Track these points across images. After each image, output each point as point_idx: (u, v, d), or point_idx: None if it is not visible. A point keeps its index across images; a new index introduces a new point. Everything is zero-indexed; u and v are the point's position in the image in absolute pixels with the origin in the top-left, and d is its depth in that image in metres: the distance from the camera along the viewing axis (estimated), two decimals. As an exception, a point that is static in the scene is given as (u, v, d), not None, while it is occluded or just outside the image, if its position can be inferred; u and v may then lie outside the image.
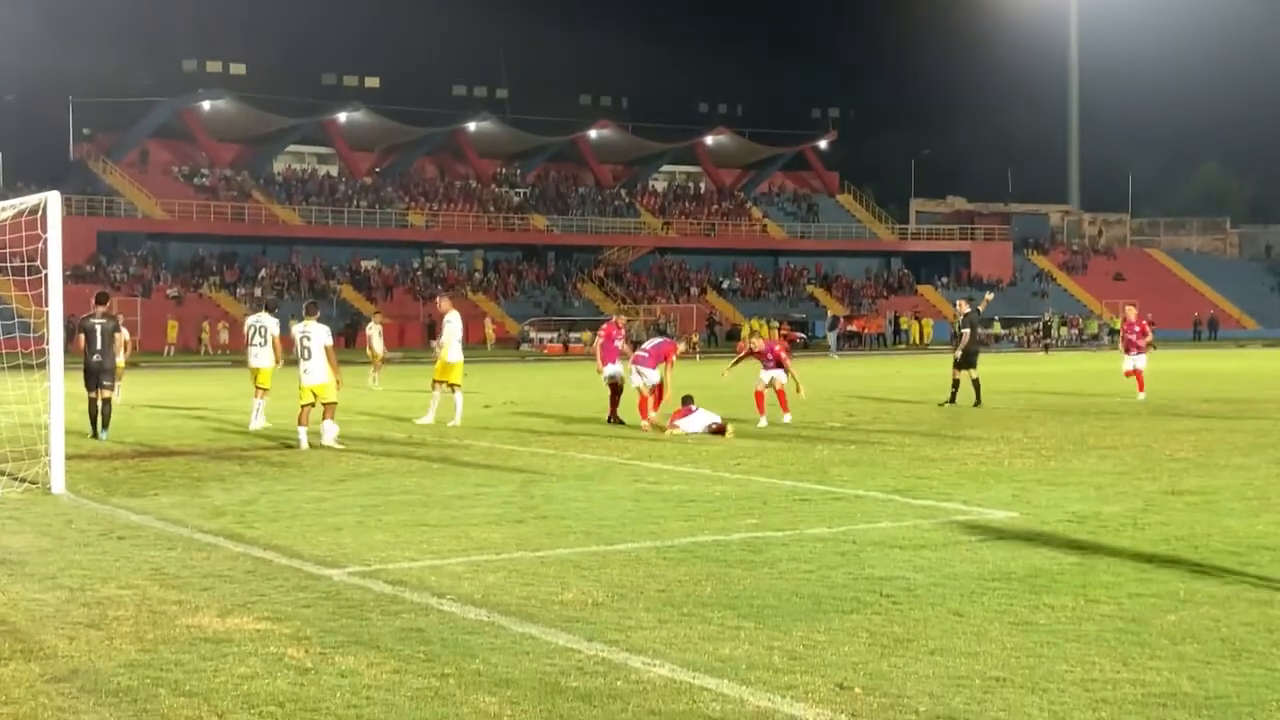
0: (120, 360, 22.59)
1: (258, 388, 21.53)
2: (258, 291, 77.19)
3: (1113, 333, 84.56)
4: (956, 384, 26.18)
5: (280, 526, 11.37)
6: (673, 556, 9.80)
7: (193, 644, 7.29)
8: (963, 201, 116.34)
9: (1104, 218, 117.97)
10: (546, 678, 6.57)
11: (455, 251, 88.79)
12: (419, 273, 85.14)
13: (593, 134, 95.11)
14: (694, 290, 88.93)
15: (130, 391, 33.32)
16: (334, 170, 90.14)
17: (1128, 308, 30.57)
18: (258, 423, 21.13)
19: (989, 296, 29.99)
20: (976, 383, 25.91)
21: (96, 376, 19.67)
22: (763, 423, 20.89)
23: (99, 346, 19.55)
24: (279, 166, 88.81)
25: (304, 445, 18.05)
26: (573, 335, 75.39)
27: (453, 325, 21.84)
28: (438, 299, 23.51)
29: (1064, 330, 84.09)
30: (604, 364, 22.02)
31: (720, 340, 78.49)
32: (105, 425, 19.72)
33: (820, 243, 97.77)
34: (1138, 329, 28.75)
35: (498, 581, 8.91)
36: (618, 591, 8.56)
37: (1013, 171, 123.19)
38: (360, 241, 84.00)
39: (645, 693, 6.32)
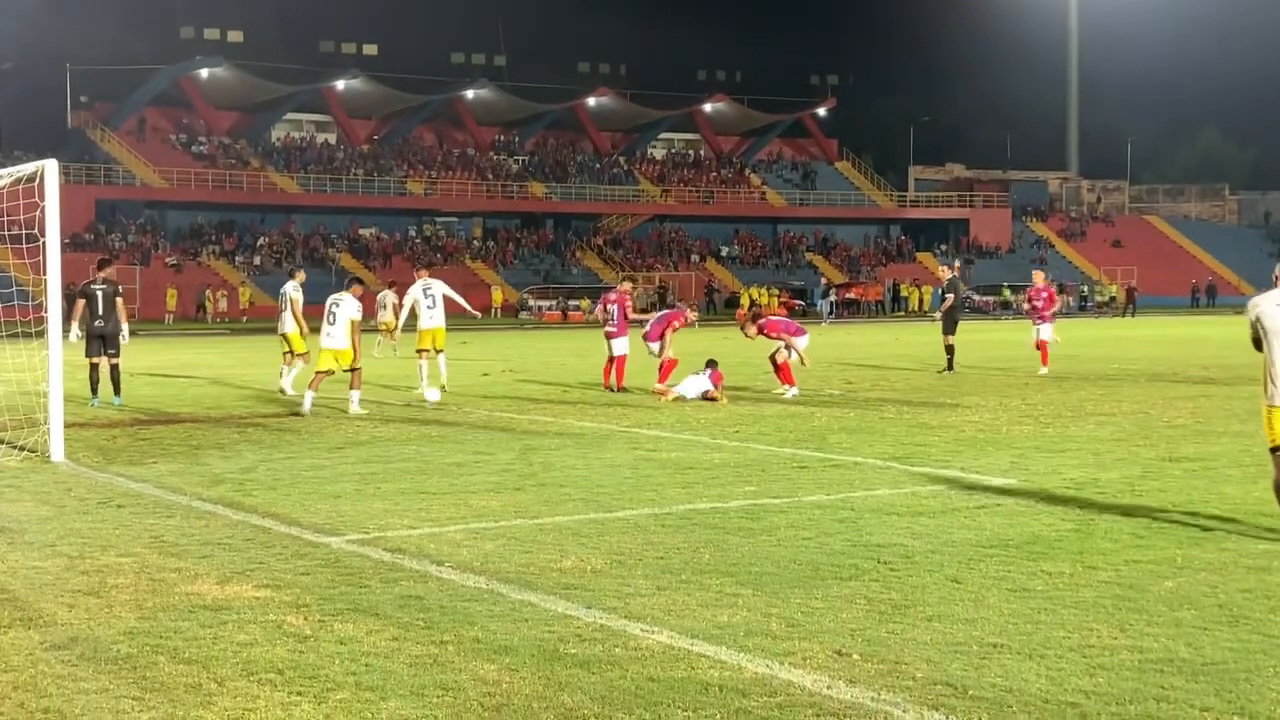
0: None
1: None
2: (256, 260, 77.15)
3: (1111, 300, 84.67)
4: (951, 350, 26.19)
5: (279, 494, 11.37)
6: (671, 524, 9.80)
7: (192, 611, 7.29)
8: (961, 168, 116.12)
9: (1103, 184, 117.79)
10: (545, 645, 6.57)
11: (454, 219, 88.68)
12: (417, 240, 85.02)
13: (591, 101, 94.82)
14: (693, 258, 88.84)
15: (129, 359, 33.29)
16: (332, 138, 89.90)
17: (1035, 273, 28.31)
18: (295, 391, 20.66)
19: (956, 265, 29.08)
20: (950, 349, 25.88)
21: (102, 342, 19.62)
22: (792, 392, 20.31)
23: (100, 312, 19.50)
24: (277, 134, 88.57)
25: (307, 410, 18.06)
26: (571, 303, 75.36)
27: (410, 294, 21.95)
28: (416, 272, 23.38)
29: (1062, 297, 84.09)
30: (620, 334, 21.75)
31: (719, 308, 78.44)
32: (117, 391, 19.69)
33: (819, 210, 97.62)
34: (1045, 295, 26.77)
35: (496, 549, 8.91)
36: (616, 559, 8.56)
37: (1012, 138, 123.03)
38: (359, 209, 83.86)
39: (644, 659, 6.32)
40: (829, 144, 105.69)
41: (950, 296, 26.14)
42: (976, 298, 78.63)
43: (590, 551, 8.80)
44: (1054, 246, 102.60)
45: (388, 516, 10.21)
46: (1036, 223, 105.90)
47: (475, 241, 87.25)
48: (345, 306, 18.50)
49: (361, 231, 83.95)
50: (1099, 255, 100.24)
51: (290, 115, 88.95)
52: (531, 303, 75.74)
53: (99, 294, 19.51)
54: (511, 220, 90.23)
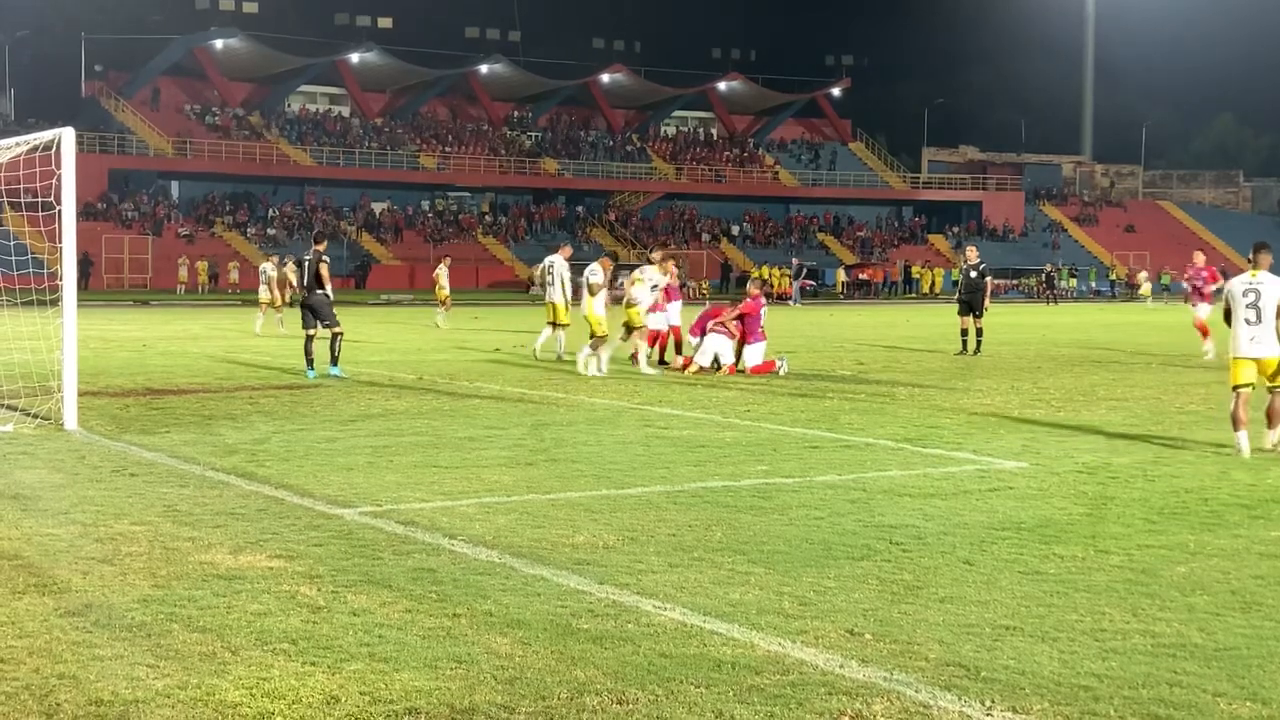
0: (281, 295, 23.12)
1: (551, 323, 23.55)
2: (270, 230, 77.15)
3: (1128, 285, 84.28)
4: (966, 333, 26.20)
5: (292, 466, 11.39)
6: (683, 501, 9.80)
7: (205, 580, 7.31)
8: (975, 151, 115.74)
9: (1117, 169, 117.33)
10: (558, 619, 6.58)
11: (466, 194, 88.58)
12: (429, 215, 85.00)
13: (605, 78, 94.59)
14: (704, 236, 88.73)
15: (143, 329, 33.40)
16: (345, 111, 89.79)
17: (1195, 254, 26.88)
18: (546, 350, 22.62)
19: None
20: (980, 331, 26.02)
21: (313, 313, 19.66)
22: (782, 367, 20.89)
23: (305, 282, 19.71)
24: (291, 106, 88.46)
25: (646, 370, 20.10)
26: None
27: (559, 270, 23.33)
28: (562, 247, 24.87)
29: (1073, 281, 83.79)
30: (658, 307, 21.82)
31: (730, 286, 78.39)
32: (334, 361, 19.70)
33: (832, 190, 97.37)
34: (1205, 275, 25.55)
35: (509, 524, 8.92)
36: (628, 535, 8.57)
37: (1026, 122, 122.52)
38: (371, 183, 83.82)
39: (656, 636, 6.33)
40: (843, 124, 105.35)
41: (990, 280, 26.05)
42: (999, 282, 78.45)
43: (602, 527, 8.81)
44: (1066, 230, 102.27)
45: (400, 489, 10.23)
46: (1050, 206, 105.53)
47: (486, 217, 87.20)
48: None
49: (374, 205, 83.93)
50: (1112, 240, 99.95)
51: (304, 88, 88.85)
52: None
53: (305, 265, 19.72)
54: (524, 196, 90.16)
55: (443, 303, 36.03)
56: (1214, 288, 25.02)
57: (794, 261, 71.75)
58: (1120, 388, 19.19)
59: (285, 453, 12.15)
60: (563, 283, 23.51)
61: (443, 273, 36.44)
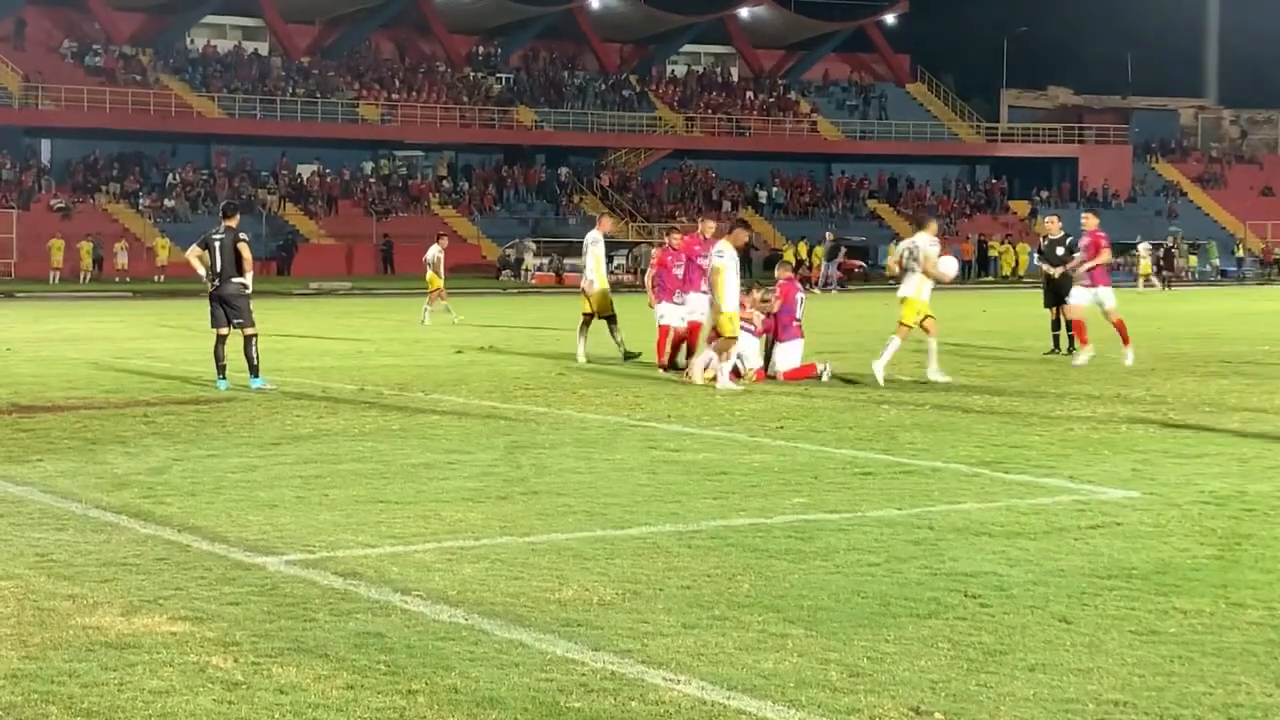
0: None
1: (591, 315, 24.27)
2: (169, 201, 77.24)
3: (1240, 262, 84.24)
4: (1058, 327, 26.20)
5: (199, 502, 11.40)
6: (700, 544, 9.82)
7: (91, 650, 7.32)
8: (1069, 94, 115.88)
9: (1250, 115, 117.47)
10: (541, 696, 6.59)
11: (418, 153, 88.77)
12: (371, 180, 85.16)
13: (595, 3, 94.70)
14: (724, 205, 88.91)
15: (6, 328, 33.45)
16: (263, 48, 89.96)
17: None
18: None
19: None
20: (1073, 324, 25.83)
21: (223, 308, 19.80)
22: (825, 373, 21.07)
23: (219, 269, 19.70)
24: (193, 43, 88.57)
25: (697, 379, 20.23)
26: (568, 262, 75.34)
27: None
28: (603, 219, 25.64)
29: (1193, 259, 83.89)
30: (658, 300, 22.40)
31: (755, 268, 78.46)
32: (253, 371, 19.82)
33: (886, 145, 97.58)
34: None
35: (477, 574, 8.94)
36: (630, 588, 8.58)
37: (1133, 57, 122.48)
38: (297, 140, 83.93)
39: (667, 716, 6.34)
40: (898, 61, 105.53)
41: (1079, 255, 25.98)
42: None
43: (597, 578, 8.82)
44: (1186, 194, 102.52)
45: (338, 531, 10.25)
46: (1164, 163, 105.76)
47: (444, 182, 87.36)
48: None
49: (300, 168, 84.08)
50: (1244, 206, 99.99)
51: (210, 18, 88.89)
52: (530, 260, 75.07)
53: (217, 246, 19.70)
54: (492, 155, 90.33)
55: (436, 293, 36.92)
56: None
57: (827, 236, 70.97)
58: (1256, 395, 19.21)
59: (190, 486, 12.15)
60: (597, 262, 24.17)
61: (439, 257, 37.34)
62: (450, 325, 34.66)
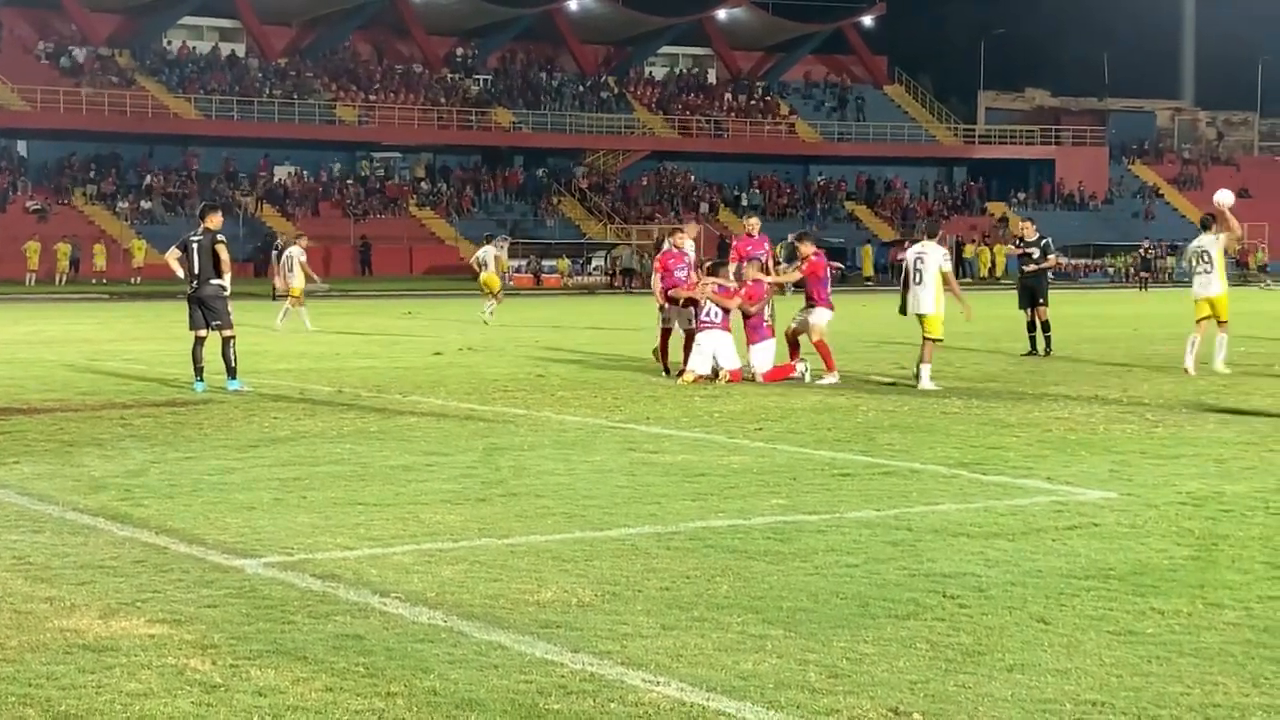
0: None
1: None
2: (146, 203, 77.07)
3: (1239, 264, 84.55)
4: (1034, 328, 26.38)
5: (177, 504, 11.38)
6: (679, 546, 9.83)
7: (69, 653, 7.30)
8: (1046, 95, 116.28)
9: (1225, 117, 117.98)
10: (520, 698, 6.59)
11: (396, 155, 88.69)
12: (349, 182, 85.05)
13: (573, 5, 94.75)
14: (702, 207, 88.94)
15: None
16: (240, 49, 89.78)
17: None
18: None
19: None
20: (1046, 325, 26.34)
21: (201, 310, 19.71)
22: (831, 379, 20.85)
23: (196, 270, 19.60)
24: (170, 44, 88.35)
25: (926, 385, 19.90)
26: (546, 263, 75.43)
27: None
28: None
29: (1170, 261, 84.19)
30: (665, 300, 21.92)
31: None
32: (231, 373, 19.75)
33: (863, 147, 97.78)
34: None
35: (456, 576, 8.94)
36: (610, 590, 8.59)
37: (1110, 57, 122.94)
38: (274, 141, 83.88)
39: (647, 718, 6.34)
40: (876, 62, 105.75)
41: (1053, 257, 26.22)
42: (1064, 260, 78.87)
43: (576, 580, 8.83)
44: (1163, 196, 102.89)
45: (316, 534, 10.23)
46: (1141, 165, 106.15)
47: (422, 183, 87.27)
48: (932, 257, 20.11)
49: (278, 170, 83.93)
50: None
51: (187, 19, 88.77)
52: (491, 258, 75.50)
53: (195, 247, 19.58)
54: (469, 157, 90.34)
55: (494, 294, 37.64)
56: None
57: (789, 238, 70.78)
58: (1234, 396, 19.27)
59: (168, 488, 12.12)
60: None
61: (492, 257, 38.18)
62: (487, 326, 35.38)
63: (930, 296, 20.24)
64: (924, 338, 20.34)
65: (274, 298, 43.72)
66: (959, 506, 11.31)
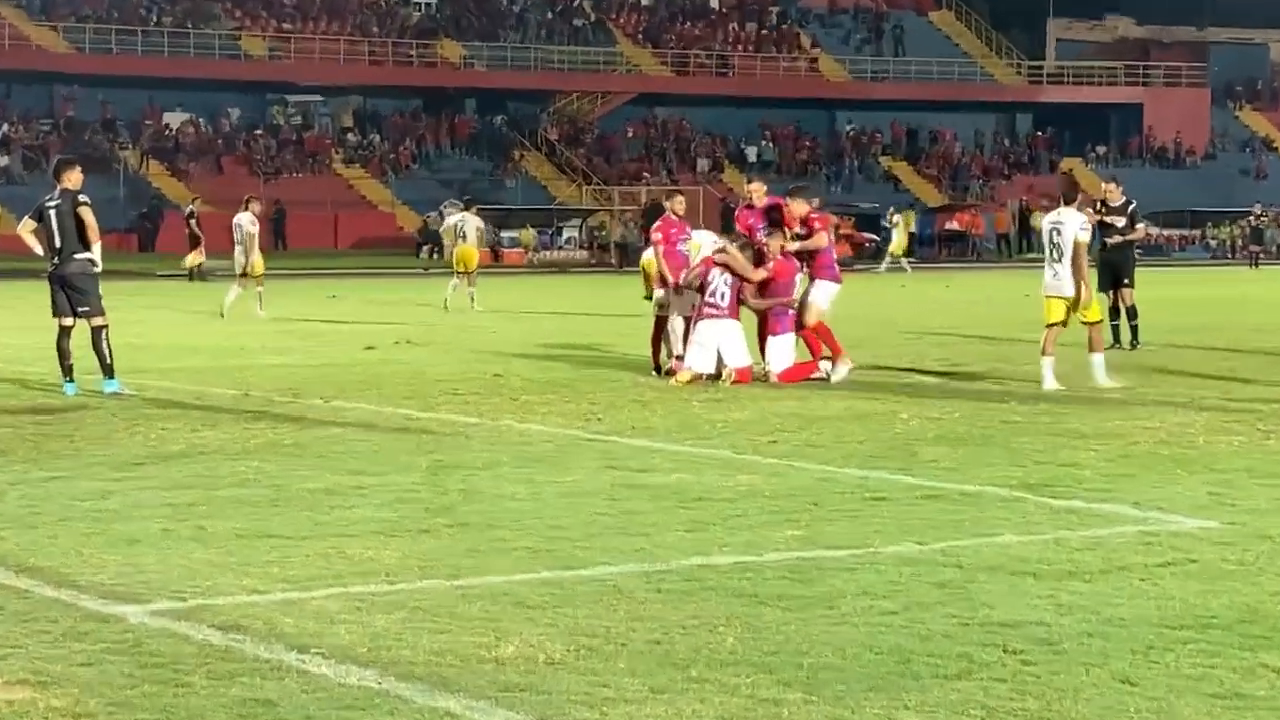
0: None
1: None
2: (3, 159, 76.95)
3: None
4: (1116, 314, 26.36)
5: (41, 536, 11.36)
6: (672, 588, 9.83)
7: (-94, 723, 7.30)
8: (1131, 24, 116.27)
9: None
10: (474, 779, 6.59)
11: (316, 98, 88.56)
12: (259, 133, 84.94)
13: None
14: (700, 163, 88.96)
15: None
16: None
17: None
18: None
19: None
20: (1133, 310, 26.35)
21: (64, 291, 19.74)
22: (844, 369, 21.05)
23: (58, 243, 19.56)
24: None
25: (1050, 386, 20.17)
26: (505, 235, 75.37)
27: None
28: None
29: None
30: (658, 284, 22.02)
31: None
32: (107, 371, 19.72)
33: (903, 89, 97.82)
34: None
35: (393, 626, 8.93)
36: (586, 644, 8.58)
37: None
38: (163, 82, 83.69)
39: (632, 804, 6.36)
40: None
41: (1142, 226, 26.18)
42: (1154, 231, 79.08)
43: (544, 631, 8.82)
44: (1276, 150, 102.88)
45: (217, 573, 10.22)
46: (1250, 112, 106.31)
47: (349, 134, 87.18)
48: (1070, 225, 20.24)
49: (167, 117, 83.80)
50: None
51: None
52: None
53: (53, 213, 19.54)
54: (408, 101, 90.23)
55: (469, 272, 37.65)
56: None
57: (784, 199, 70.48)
58: (1365, 400, 19.31)
59: (30, 517, 12.10)
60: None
61: (474, 227, 38.29)
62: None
63: (1065, 275, 20.35)
64: (1082, 323, 20.68)
65: (191, 278, 44.40)
66: (1022, 539, 11.30)
